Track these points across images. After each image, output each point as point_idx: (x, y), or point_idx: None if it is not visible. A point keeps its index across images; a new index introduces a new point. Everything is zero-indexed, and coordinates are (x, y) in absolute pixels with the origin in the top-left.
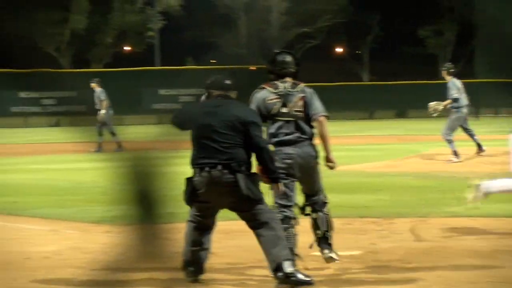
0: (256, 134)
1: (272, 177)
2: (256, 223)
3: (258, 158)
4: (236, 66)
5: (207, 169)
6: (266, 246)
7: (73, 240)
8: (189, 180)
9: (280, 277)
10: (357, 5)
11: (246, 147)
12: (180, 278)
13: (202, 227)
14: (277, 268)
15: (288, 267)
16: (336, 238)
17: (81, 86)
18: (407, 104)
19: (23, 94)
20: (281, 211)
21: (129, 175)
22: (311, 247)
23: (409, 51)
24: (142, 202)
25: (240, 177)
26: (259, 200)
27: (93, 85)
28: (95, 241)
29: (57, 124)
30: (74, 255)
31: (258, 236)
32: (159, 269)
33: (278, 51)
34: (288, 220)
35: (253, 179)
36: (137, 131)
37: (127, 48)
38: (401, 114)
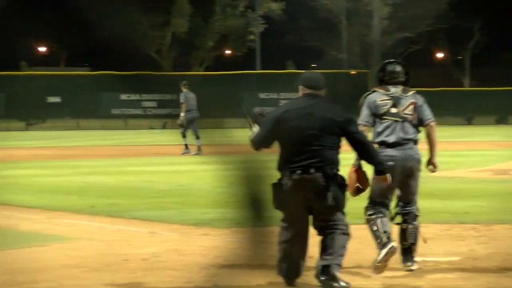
0: (355, 131)
1: (380, 169)
2: (326, 225)
3: (362, 154)
4: (337, 70)
5: (299, 172)
6: (324, 248)
7: (171, 242)
8: (276, 184)
9: (322, 278)
10: (459, 11)
11: (337, 148)
12: (277, 282)
13: (296, 234)
14: (323, 269)
15: (335, 271)
16: (435, 244)
17: (182, 89)
18: (507, 111)
19: (124, 96)
20: (374, 207)
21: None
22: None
23: (510, 57)
24: (252, 205)
25: (332, 186)
26: (340, 208)
27: (182, 87)
28: (193, 243)
29: (163, 127)
30: (172, 257)
31: (324, 238)
32: (257, 271)
33: (387, 60)
34: (380, 212)
35: (343, 188)
36: (240, 135)
37: (228, 51)
38: (501, 120)
